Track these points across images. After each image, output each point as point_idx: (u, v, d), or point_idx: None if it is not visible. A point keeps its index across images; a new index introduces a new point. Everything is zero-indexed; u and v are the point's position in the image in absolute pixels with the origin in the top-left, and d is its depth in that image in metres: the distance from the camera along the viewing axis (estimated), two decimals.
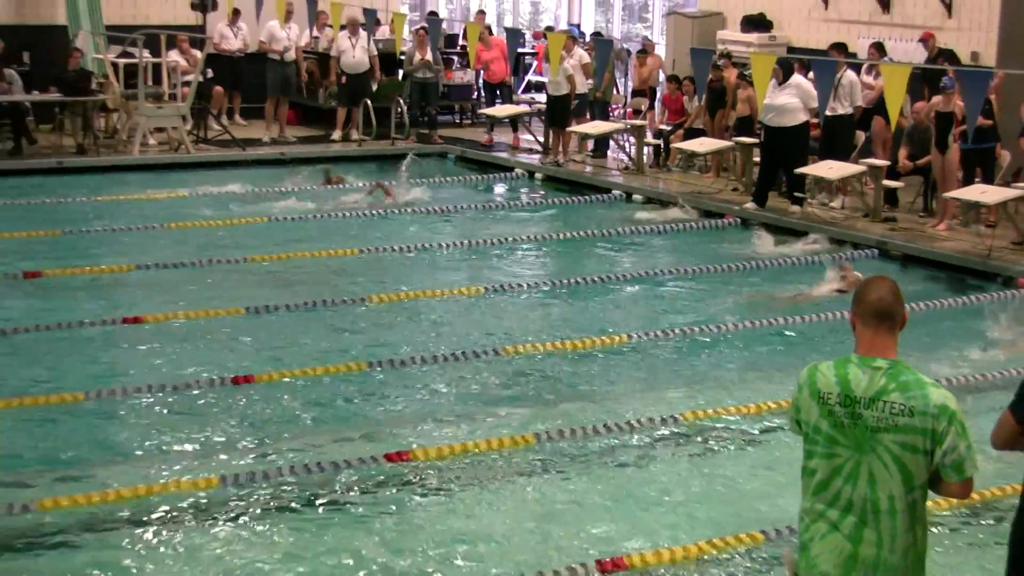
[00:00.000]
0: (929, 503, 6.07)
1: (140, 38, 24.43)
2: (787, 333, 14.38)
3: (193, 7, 25.68)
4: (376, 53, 26.52)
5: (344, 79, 26.42)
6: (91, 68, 24.84)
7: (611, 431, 11.18)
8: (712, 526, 9.52)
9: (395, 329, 14.41)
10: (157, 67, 25.13)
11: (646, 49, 26.89)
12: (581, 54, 24.99)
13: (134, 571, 8.76)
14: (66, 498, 9.51)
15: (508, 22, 34.07)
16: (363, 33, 26.07)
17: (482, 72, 28.69)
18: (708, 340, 14.16)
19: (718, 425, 11.53)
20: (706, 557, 8.93)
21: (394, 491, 10.08)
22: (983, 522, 9.69)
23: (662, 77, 26.87)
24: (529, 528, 9.55)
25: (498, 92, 28.37)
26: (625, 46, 28.41)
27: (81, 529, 9.28)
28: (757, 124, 21.12)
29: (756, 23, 26.35)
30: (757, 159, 21.06)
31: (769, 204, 20.11)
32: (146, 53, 24.58)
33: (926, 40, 22.37)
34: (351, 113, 26.35)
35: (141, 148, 24.07)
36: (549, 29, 28.55)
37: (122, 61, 24.91)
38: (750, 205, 20.26)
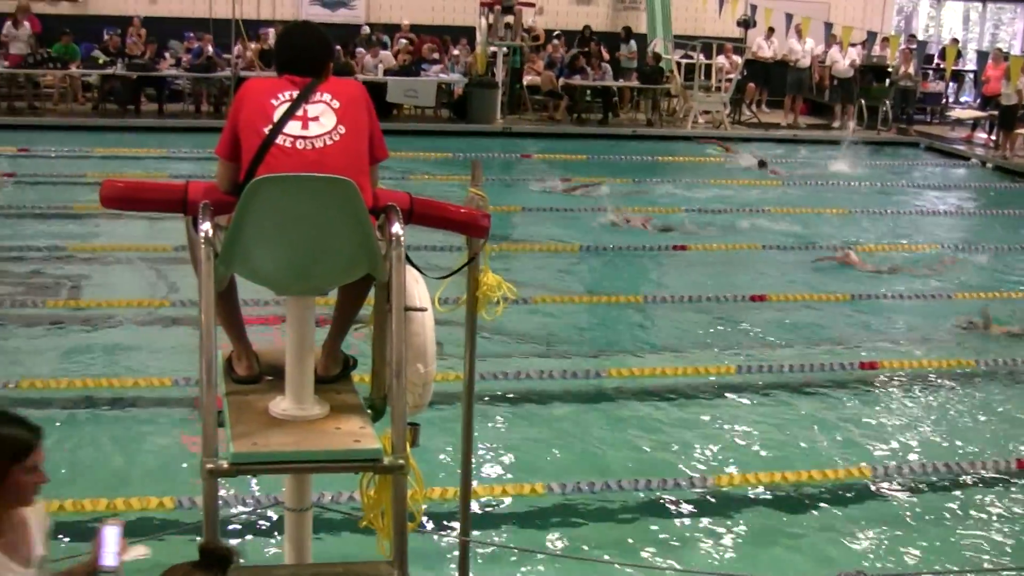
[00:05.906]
0: None
1: (698, 45, 24.80)
2: None
3: (738, 24, 25.76)
4: (859, 64, 25.77)
5: (835, 82, 26.12)
6: (662, 65, 25.21)
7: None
8: None
9: (869, 275, 13.79)
10: (708, 67, 25.28)
11: None
12: None
13: (659, 429, 8.94)
14: (625, 369, 9.86)
15: (973, 47, 32.26)
16: (851, 49, 25.53)
17: (983, 84, 26.85)
18: None
19: None
20: None
21: (857, 388, 9.92)
22: None
23: None
24: (961, 423, 9.30)
25: (988, 103, 25.70)
26: None
27: (630, 390, 9.55)
28: None
29: None
30: None
31: None
32: (701, 56, 24.85)
33: None
34: (845, 108, 25.81)
35: (693, 124, 24.32)
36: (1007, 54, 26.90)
37: (684, 61, 25.38)
38: None
